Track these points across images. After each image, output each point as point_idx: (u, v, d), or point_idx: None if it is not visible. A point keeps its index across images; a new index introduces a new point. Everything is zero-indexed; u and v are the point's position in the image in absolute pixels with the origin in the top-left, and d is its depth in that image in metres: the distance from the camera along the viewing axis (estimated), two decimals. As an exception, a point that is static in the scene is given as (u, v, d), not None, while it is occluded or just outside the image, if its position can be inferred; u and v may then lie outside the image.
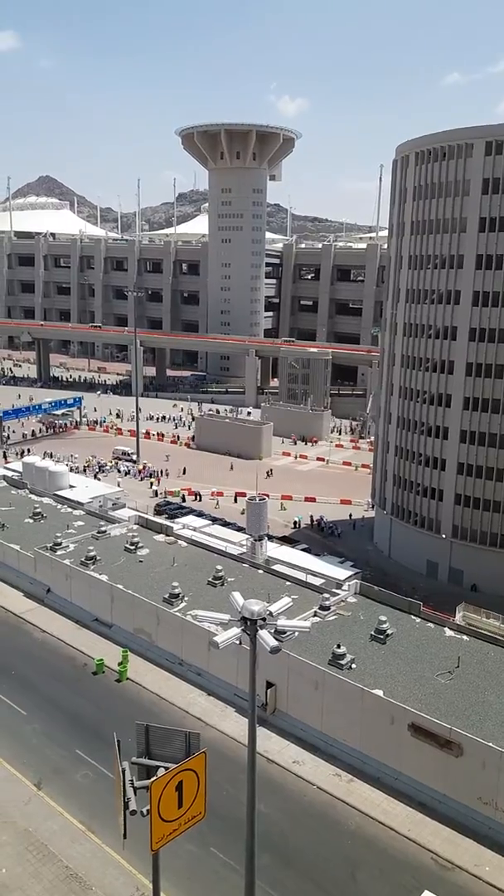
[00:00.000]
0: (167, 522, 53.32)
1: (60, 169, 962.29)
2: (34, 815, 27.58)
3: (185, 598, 39.68)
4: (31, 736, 32.46)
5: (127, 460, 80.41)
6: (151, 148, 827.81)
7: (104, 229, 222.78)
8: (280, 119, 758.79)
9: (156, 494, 71.78)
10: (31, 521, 53.67)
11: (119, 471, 79.43)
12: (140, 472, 78.82)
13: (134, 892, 24.09)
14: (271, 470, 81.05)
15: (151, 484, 74.89)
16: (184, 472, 79.18)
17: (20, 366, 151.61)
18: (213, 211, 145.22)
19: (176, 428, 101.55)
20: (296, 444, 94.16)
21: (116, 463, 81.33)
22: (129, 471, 79.29)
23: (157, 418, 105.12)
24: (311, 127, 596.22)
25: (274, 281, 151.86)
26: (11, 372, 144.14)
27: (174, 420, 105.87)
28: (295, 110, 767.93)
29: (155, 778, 17.60)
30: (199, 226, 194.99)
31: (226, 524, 57.96)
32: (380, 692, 30.75)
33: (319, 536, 62.45)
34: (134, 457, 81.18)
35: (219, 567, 42.84)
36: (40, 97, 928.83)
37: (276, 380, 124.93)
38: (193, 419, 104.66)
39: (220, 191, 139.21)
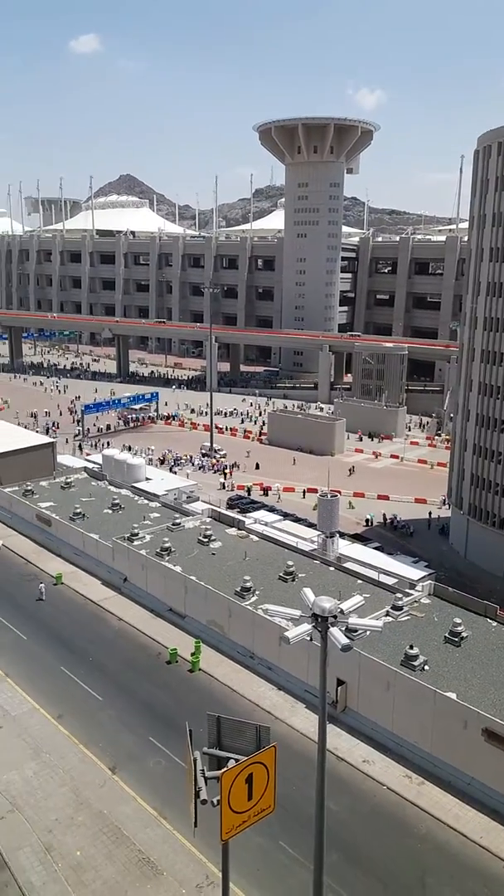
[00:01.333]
0: (239, 517, 53.80)
1: (140, 167, 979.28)
2: (108, 798, 28.45)
3: (257, 593, 39.97)
4: (106, 721, 33.45)
5: (213, 457, 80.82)
6: (229, 145, 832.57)
7: (182, 226, 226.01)
8: (358, 112, 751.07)
9: (223, 487, 72.66)
10: (109, 511, 55.19)
11: (193, 464, 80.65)
12: (213, 465, 79.77)
13: (203, 880, 24.53)
14: (353, 467, 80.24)
15: (225, 476, 75.72)
16: (256, 468, 79.61)
17: (98, 360, 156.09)
18: (289, 206, 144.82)
19: (242, 423, 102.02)
20: (361, 440, 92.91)
21: (192, 457, 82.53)
22: (202, 465, 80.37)
23: (225, 413, 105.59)
24: (389, 119, 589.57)
25: (349, 275, 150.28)
26: (88, 367, 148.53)
27: (241, 415, 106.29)
28: (373, 102, 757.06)
29: (226, 769, 17.85)
30: (274, 221, 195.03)
31: (297, 520, 57.97)
32: (453, 695, 30.15)
33: (392, 535, 61.61)
34: (222, 453, 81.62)
35: (290, 563, 42.94)
36: (120, 97, 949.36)
37: (349, 375, 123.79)
38: (260, 414, 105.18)
39: (297, 185, 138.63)
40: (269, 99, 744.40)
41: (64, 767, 30.12)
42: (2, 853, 25.68)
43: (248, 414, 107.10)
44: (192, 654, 38.34)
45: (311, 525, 55.09)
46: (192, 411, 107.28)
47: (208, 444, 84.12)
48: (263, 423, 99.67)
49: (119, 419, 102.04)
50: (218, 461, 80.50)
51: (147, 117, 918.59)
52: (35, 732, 32.39)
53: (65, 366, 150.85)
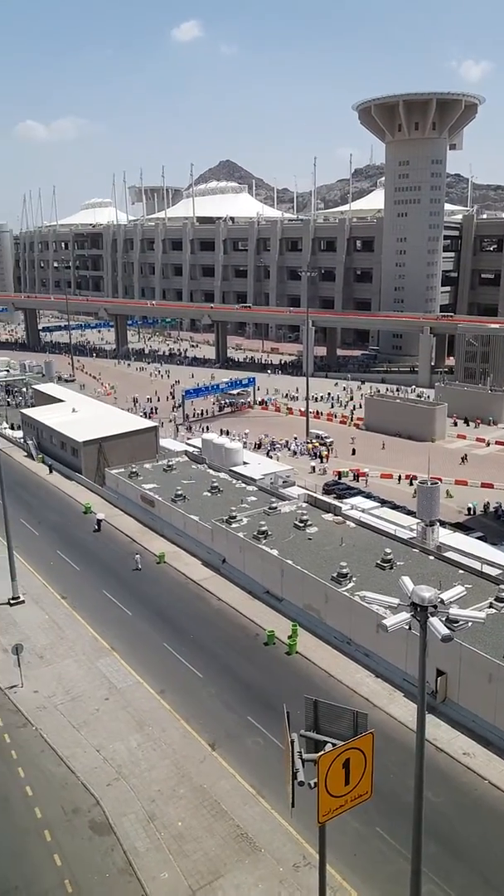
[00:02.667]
0: (336, 502, 53.56)
1: (239, 153, 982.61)
2: (208, 773, 29.30)
3: (353, 579, 39.76)
4: (206, 699, 34.39)
5: (321, 444, 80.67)
6: (328, 126, 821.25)
7: (280, 210, 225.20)
8: (462, 85, 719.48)
9: (313, 470, 72.49)
10: (208, 494, 56.36)
11: (289, 449, 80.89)
12: (309, 450, 79.69)
13: (300, 860, 24.89)
14: (466, 455, 78.01)
15: (321, 461, 75.52)
16: (353, 453, 78.87)
17: (196, 346, 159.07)
18: (389, 185, 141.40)
19: (332, 408, 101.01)
20: (456, 424, 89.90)
21: (288, 442, 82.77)
22: (298, 450, 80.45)
23: (317, 398, 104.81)
24: (496, 90, 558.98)
25: (452, 254, 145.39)
26: (186, 353, 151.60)
27: (331, 400, 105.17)
28: (478, 74, 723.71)
29: (323, 752, 17.99)
30: (374, 201, 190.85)
31: (395, 507, 57.09)
32: None
33: (496, 525, 59.59)
34: (329, 440, 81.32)
35: (388, 550, 42.38)
36: (220, 83, 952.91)
37: (451, 358, 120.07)
38: (350, 399, 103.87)
39: (398, 164, 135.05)
40: (369, 77, 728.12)
41: (166, 741, 31.26)
42: (108, 818, 27.02)
43: (337, 398, 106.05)
44: (289, 637, 38.71)
45: (409, 513, 54.12)
46: (286, 395, 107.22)
47: (315, 432, 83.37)
48: (353, 408, 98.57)
49: (217, 404, 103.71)
50: (316, 446, 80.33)
51: (246, 102, 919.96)
52: (139, 705, 33.75)
53: (165, 352, 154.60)
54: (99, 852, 25.67)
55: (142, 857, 25.25)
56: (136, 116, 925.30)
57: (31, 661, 37.23)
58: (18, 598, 44.36)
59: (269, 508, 50.96)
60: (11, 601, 44.12)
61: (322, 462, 75.71)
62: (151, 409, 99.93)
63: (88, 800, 28.04)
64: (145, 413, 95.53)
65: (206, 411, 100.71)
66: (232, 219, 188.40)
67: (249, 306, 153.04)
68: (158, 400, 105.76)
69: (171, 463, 64.77)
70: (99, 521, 56.66)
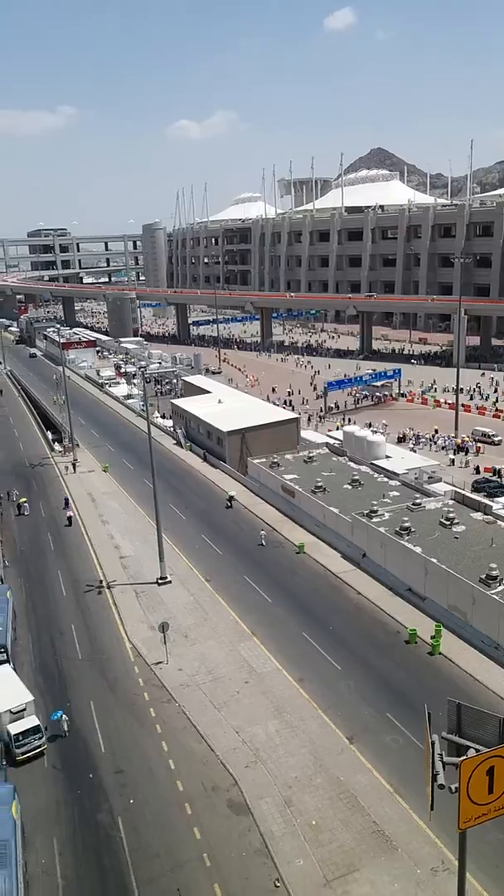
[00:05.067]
0: (487, 501, 51.21)
1: (391, 140, 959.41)
2: (345, 766, 29.18)
3: (504, 581, 37.88)
4: (345, 691, 34.23)
5: (488, 442, 77.48)
6: (486, 107, 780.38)
7: (433, 196, 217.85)
8: None
9: (452, 463, 69.82)
10: (349, 487, 55.91)
11: (435, 443, 78.30)
12: (458, 446, 76.67)
13: (439, 865, 24.19)
14: None
15: (468, 461, 72.46)
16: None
17: (339, 337, 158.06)
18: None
19: (470, 399, 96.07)
20: None
21: (434, 436, 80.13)
22: (445, 445, 77.65)
23: (463, 390, 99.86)
24: None
25: None
26: (323, 344, 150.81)
27: (470, 391, 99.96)
28: None
29: (465, 757, 17.31)
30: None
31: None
32: None
33: None
34: (496, 439, 77.87)
35: (543, 552, 39.96)
36: (371, 70, 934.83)
37: None
38: (495, 391, 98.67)
39: None
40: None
41: (304, 730, 31.48)
42: (246, 799, 27.68)
43: (477, 389, 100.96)
44: (433, 638, 37.58)
45: None
46: (433, 388, 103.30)
47: (481, 430, 79.49)
48: (496, 401, 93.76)
49: (360, 396, 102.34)
50: (463, 441, 77.15)
51: (398, 88, 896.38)
52: (278, 692, 34.23)
53: (307, 343, 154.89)
54: (236, 831, 26.38)
55: (278, 841, 25.64)
56: (287, 109, 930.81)
57: (176, 640, 38.87)
58: (166, 578, 46.47)
59: (413, 504, 49.67)
60: (160, 581, 46.31)
61: (465, 455, 72.60)
62: (289, 400, 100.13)
63: (227, 779, 28.87)
64: (284, 403, 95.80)
65: (338, 404, 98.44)
66: (381, 207, 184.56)
67: (373, 295, 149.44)
68: (299, 392, 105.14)
69: (311, 454, 64.89)
70: (230, 498, 59.94)
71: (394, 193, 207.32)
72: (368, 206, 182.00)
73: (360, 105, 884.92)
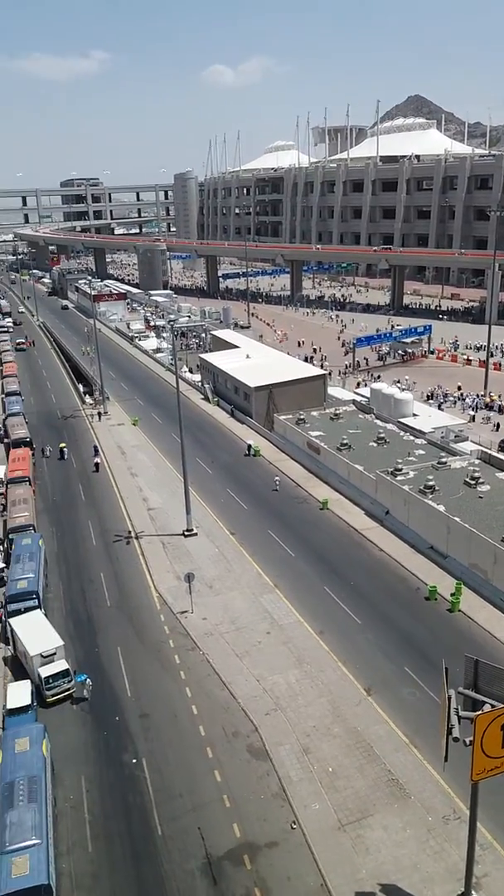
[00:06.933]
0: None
1: (429, 86, 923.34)
2: (363, 717, 29.94)
3: (527, 542, 37.87)
4: (364, 645, 34.88)
5: None
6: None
7: (471, 146, 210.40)
8: None
9: (472, 420, 69.11)
10: (374, 444, 55.83)
11: (464, 402, 77.36)
12: (486, 405, 75.70)
13: (450, 814, 24.94)
14: None
15: (489, 418, 71.61)
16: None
17: (368, 292, 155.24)
18: None
19: (491, 356, 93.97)
20: None
21: (462, 394, 79.11)
22: (475, 404, 76.69)
23: (479, 347, 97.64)
24: None
25: None
26: (349, 298, 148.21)
27: (501, 349, 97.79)
28: None
29: (481, 712, 17.76)
30: None
31: None
32: None
33: None
34: None
35: None
36: (414, 15, 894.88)
37: None
38: None
39: None
40: None
41: (323, 680, 32.26)
42: (265, 745, 28.63)
43: (501, 347, 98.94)
44: (453, 595, 37.91)
45: None
46: (457, 345, 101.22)
47: None
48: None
49: (388, 352, 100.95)
50: (492, 400, 76.11)
51: (438, 30, 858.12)
52: (298, 643, 35.01)
53: (337, 298, 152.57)
54: (255, 775, 27.38)
55: (295, 786, 26.59)
56: (324, 54, 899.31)
57: (200, 590, 39.75)
58: (192, 530, 47.27)
59: (438, 463, 49.52)
60: (186, 532, 47.12)
61: (498, 413, 71.72)
62: (311, 356, 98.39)
63: (248, 725, 29.84)
64: (306, 359, 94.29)
65: (366, 360, 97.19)
66: (417, 157, 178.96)
67: (390, 248, 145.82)
68: (317, 351, 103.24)
69: (338, 412, 64.67)
70: (249, 447, 62.11)
71: (430, 143, 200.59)
72: (404, 156, 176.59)
73: (400, 50, 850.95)
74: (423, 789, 26.03)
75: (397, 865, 23.20)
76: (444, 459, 50.02)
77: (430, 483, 45.29)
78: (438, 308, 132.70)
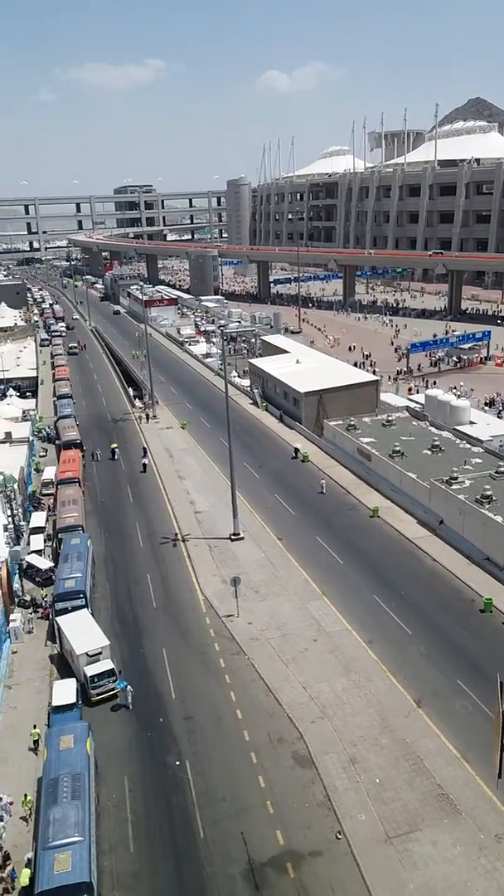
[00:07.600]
0: None
1: (492, 89, 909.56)
2: (412, 728, 29.08)
3: None
4: (414, 656, 33.95)
5: None
6: None
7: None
8: None
9: None
10: (428, 452, 54.61)
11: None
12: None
13: (502, 832, 23.91)
14: None
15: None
16: None
17: (423, 297, 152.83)
18: None
19: None
20: None
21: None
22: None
23: None
24: None
25: None
26: (401, 304, 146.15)
27: None
28: None
29: (538, 729, 16.88)
30: None
31: None
32: None
33: None
34: None
35: None
36: (472, 15, 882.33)
37: None
38: None
39: None
40: None
41: (371, 690, 31.50)
42: (311, 753, 28.07)
43: None
44: (508, 607, 36.66)
45: None
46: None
47: None
48: None
49: (442, 358, 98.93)
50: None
51: (500, 31, 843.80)
52: (346, 652, 34.31)
53: (391, 303, 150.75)
54: (300, 783, 26.84)
55: (340, 796, 25.95)
56: (380, 59, 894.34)
57: (246, 594, 39.42)
58: (239, 534, 47.01)
59: (497, 472, 48.09)
60: (233, 537, 46.90)
61: None
62: (362, 361, 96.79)
63: (293, 732, 29.32)
64: (356, 364, 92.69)
65: (419, 366, 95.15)
66: (477, 160, 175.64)
67: (442, 252, 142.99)
68: (367, 357, 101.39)
69: (390, 418, 63.59)
70: (296, 450, 61.96)
71: (491, 146, 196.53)
72: (463, 160, 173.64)
73: (460, 53, 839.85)
74: (475, 806, 25.05)
75: (447, 882, 22.35)
76: (502, 469, 48.54)
77: (488, 493, 43.98)
78: (498, 313, 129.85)
